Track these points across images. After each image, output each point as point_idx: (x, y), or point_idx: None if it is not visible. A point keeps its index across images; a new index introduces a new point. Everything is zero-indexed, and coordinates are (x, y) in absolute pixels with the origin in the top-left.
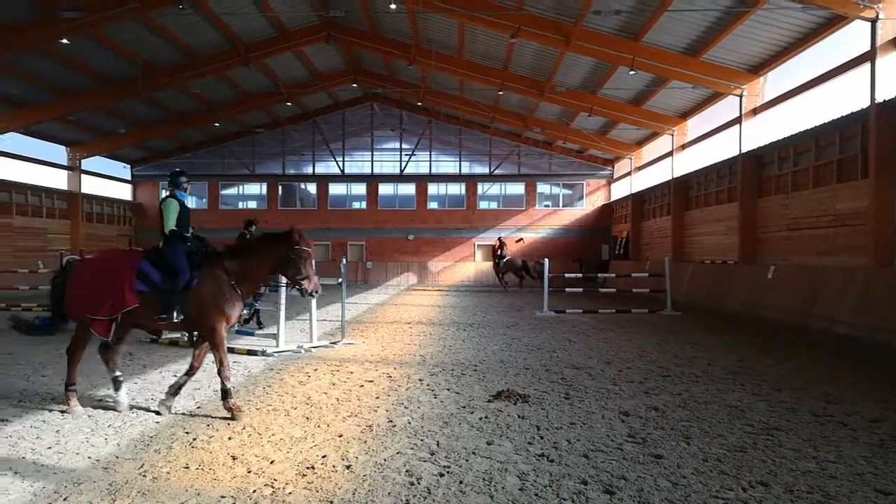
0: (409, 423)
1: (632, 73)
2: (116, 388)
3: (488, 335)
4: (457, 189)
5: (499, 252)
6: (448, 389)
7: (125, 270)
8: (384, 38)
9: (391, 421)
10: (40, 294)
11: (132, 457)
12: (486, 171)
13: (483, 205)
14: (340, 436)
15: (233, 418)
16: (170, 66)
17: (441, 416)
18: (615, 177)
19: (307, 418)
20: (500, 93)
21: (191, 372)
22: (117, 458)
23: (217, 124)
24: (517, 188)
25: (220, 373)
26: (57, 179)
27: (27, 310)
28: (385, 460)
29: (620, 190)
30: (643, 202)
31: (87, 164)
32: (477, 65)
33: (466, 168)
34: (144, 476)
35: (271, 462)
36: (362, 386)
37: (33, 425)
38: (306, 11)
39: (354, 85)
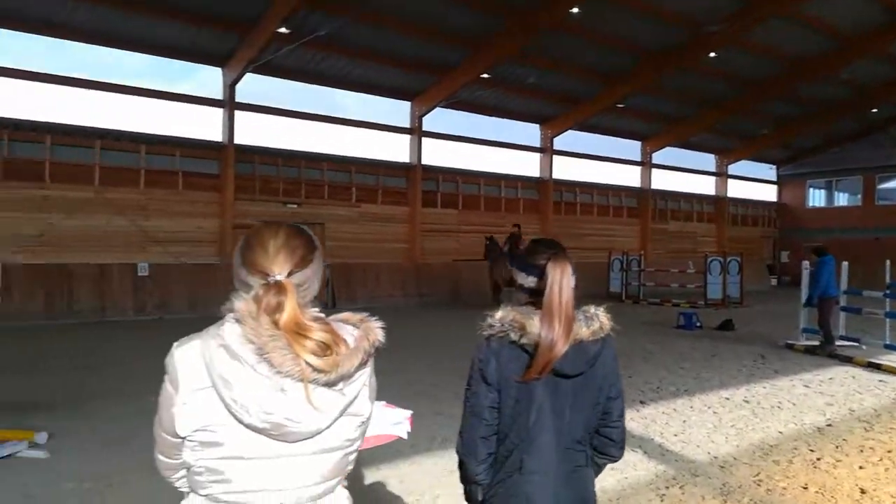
0: None
1: None
2: None
3: None
4: None
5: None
6: None
7: None
8: None
9: None
10: (687, 292)
11: (749, 462)
12: None
13: None
14: None
15: None
16: (813, 56)
17: None
18: None
19: None
20: None
21: None
22: (735, 459)
23: (874, 110)
24: None
25: None
26: (705, 186)
27: (676, 305)
28: None
29: None
30: None
31: (732, 168)
32: None
33: None
34: (759, 485)
35: None
36: None
37: (664, 412)
38: None
39: None
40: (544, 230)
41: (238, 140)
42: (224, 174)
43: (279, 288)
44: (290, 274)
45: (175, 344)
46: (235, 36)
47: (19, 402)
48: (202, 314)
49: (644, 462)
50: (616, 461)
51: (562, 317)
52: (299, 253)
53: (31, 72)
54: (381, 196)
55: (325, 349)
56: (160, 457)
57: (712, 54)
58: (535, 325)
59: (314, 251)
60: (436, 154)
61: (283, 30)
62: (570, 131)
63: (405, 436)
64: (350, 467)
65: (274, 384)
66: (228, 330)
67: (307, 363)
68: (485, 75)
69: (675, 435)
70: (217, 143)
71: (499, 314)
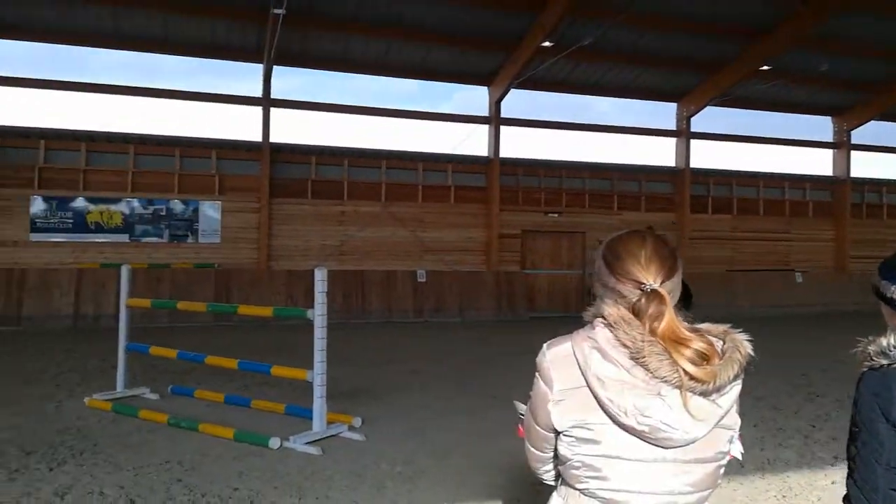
0: None
1: None
2: None
3: None
4: None
5: None
6: None
7: None
8: None
9: None
10: None
11: None
12: None
13: None
14: None
15: None
16: None
17: None
18: None
19: None
20: None
21: None
22: None
23: None
24: None
25: None
26: None
27: None
28: None
29: None
30: None
31: None
32: None
33: None
34: None
35: None
36: None
37: None
38: None
39: None
40: (839, 237)
41: (502, 154)
42: (490, 187)
43: (659, 298)
44: (661, 283)
45: (545, 344)
46: (501, 54)
47: (335, 390)
48: (471, 318)
49: None
50: None
51: None
52: (668, 263)
53: (327, 104)
54: (645, 203)
55: (703, 359)
56: (531, 449)
57: None
58: None
59: (677, 260)
60: (706, 155)
61: (546, 43)
62: (871, 122)
63: (739, 456)
64: (720, 481)
65: (650, 388)
66: (601, 334)
67: (685, 371)
68: (764, 67)
69: None
70: (484, 157)
71: (887, 339)
